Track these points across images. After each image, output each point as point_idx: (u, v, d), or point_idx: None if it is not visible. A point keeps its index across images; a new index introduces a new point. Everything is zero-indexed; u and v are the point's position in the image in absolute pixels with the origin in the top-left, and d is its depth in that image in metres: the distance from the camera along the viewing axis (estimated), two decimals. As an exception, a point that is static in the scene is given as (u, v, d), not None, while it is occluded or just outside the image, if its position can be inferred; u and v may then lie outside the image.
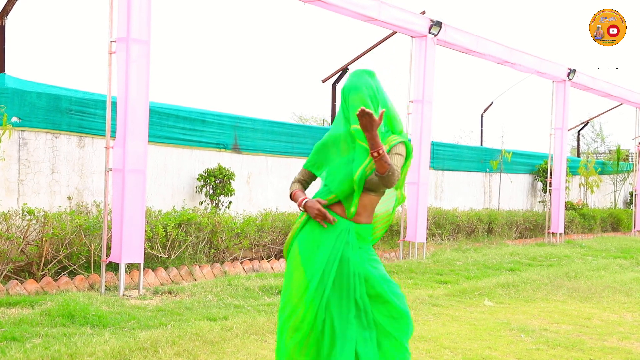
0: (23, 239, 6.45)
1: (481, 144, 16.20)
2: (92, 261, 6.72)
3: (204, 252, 7.89)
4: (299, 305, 3.27)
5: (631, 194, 18.28)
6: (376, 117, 3.05)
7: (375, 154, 3.08)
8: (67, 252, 6.57)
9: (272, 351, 4.61)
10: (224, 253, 8.14)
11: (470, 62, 12.17)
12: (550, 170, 13.57)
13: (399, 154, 3.31)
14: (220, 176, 8.77)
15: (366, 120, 3.02)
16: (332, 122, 12.15)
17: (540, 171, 15.57)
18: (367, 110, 3.01)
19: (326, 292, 3.25)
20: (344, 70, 11.64)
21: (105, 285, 6.41)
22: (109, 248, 6.42)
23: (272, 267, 8.17)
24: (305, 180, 3.50)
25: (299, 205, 3.35)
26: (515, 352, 4.86)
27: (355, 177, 3.25)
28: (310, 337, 3.25)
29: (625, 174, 18.80)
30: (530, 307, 6.57)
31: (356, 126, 3.26)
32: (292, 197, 3.45)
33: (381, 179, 3.17)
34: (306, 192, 3.51)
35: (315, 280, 3.26)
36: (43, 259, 6.44)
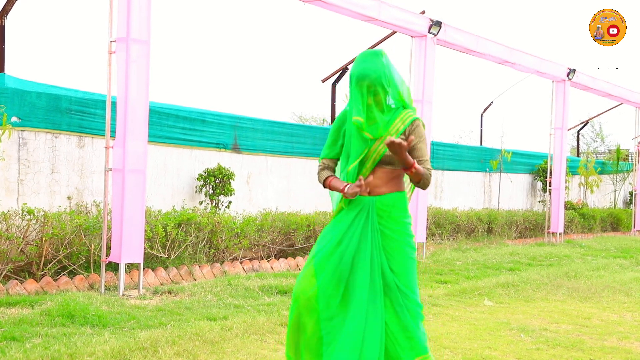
0: (23, 238, 6.45)
1: (481, 144, 16.20)
2: (92, 261, 6.72)
3: (203, 252, 7.89)
4: (308, 285, 3.31)
5: (631, 193, 18.28)
6: (404, 143, 3.10)
7: (410, 172, 3.23)
8: (67, 252, 6.57)
9: (272, 351, 4.62)
10: (223, 253, 8.14)
11: (470, 62, 12.18)
12: (550, 170, 13.58)
13: (421, 140, 3.36)
14: (220, 176, 8.77)
15: (395, 148, 3.09)
16: (332, 122, 12.15)
17: (540, 171, 15.57)
18: (394, 140, 3.06)
19: (331, 268, 3.28)
20: (344, 70, 11.64)
21: (105, 285, 6.41)
22: (108, 248, 6.42)
23: (272, 267, 8.17)
24: (332, 166, 3.52)
25: (342, 190, 3.32)
26: (515, 352, 4.86)
27: (349, 168, 3.31)
28: (315, 305, 3.27)
29: (625, 174, 18.80)
30: (530, 306, 6.57)
31: (357, 118, 3.27)
32: (328, 184, 3.43)
33: (415, 184, 3.32)
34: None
35: (319, 255, 3.31)
36: (43, 258, 6.44)
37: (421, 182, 3.30)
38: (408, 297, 3.31)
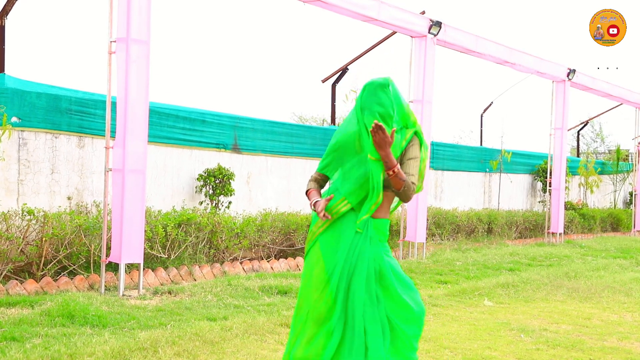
0: (23, 239, 6.45)
1: (481, 144, 16.20)
2: (91, 261, 6.72)
3: (203, 252, 7.89)
4: (319, 299, 3.33)
5: (631, 194, 18.29)
6: (388, 133, 3.15)
7: (391, 172, 3.22)
8: (66, 252, 6.56)
9: (272, 351, 4.61)
10: (223, 253, 8.14)
11: (470, 62, 12.20)
12: (550, 170, 13.58)
13: (414, 158, 3.39)
14: (220, 176, 8.77)
15: (379, 137, 3.13)
16: (332, 122, 12.15)
17: (540, 171, 15.57)
18: (380, 124, 3.10)
19: (345, 285, 3.32)
20: (344, 70, 11.64)
21: (105, 286, 6.41)
22: (108, 248, 6.42)
23: (271, 267, 8.17)
24: (322, 179, 3.58)
25: (311, 205, 3.44)
26: (515, 352, 4.86)
27: (374, 184, 3.30)
28: (328, 330, 3.30)
29: (625, 174, 18.80)
30: (530, 307, 6.57)
31: (372, 158, 3.30)
32: (307, 195, 3.54)
33: (397, 194, 3.32)
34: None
35: (336, 274, 3.33)
36: (43, 259, 6.44)
37: (402, 189, 3.29)
38: (403, 303, 3.38)
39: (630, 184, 18.60)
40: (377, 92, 3.38)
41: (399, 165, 3.26)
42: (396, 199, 3.50)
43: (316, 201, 3.41)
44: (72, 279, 6.42)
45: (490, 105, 15.76)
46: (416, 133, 3.43)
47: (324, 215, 3.32)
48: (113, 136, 6.41)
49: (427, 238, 11.07)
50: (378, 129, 3.12)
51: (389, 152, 3.19)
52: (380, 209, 3.39)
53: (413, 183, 3.34)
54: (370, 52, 11.41)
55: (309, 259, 3.48)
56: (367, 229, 3.35)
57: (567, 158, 14.72)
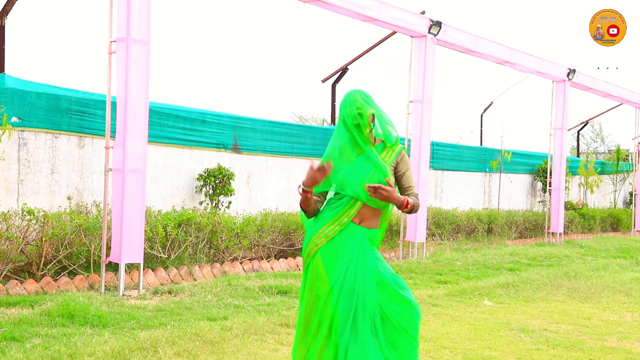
0: (23, 239, 6.45)
1: (481, 144, 16.20)
2: (92, 261, 6.72)
3: (203, 252, 7.89)
4: (324, 313, 3.40)
5: (631, 194, 18.29)
6: (386, 185, 3.31)
7: (405, 209, 3.42)
8: (66, 252, 6.57)
9: (272, 351, 4.62)
10: (223, 253, 8.14)
11: (470, 62, 12.18)
12: (550, 170, 13.58)
13: (408, 169, 3.57)
14: (220, 176, 8.77)
15: (381, 194, 3.28)
16: (332, 122, 12.15)
17: (540, 171, 15.57)
18: (376, 186, 3.26)
19: (347, 295, 3.38)
20: (344, 70, 11.64)
21: (105, 285, 6.41)
22: (108, 248, 6.42)
23: (271, 267, 8.17)
24: (319, 200, 3.57)
25: (299, 188, 3.41)
26: (515, 352, 4.86)
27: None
28: (335, 340, 3.36)
29: (625, 174, 18.80)
30: (530, 307, 6.57)
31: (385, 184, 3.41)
32: (302, 205, 3.51)
33: (408, 213, 3.52)
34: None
35: (337, 285, 3.39)
36: (43, 259, 6.44)
37: (412, 211, 3.49)
38: (399, 297, 3.45)
39: (630, 184, 18.61)
40: (356, 99, 3.46)
41: (407, 198, 3.42)
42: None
43: (302, 183, 3.39)
44: (72, 279, 6.42)
45: (490, 105, 15.76)
46: (402, 148, 3.58)
47: (321, 166, 3.31)
48: (113, 136, 6.41)
49: (427, 238, 11.07)
50: (375, 190, 3.26)
51: (395, 197, 3.34)
52: (371, 220, 3.49)
53: (416, 195, 3.53)
54: (370, 52, 11.41)
55: (309, 272, 3.50)
56: (364, 239, 3.45)
57: (567, 158, 14.72)
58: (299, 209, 10.31)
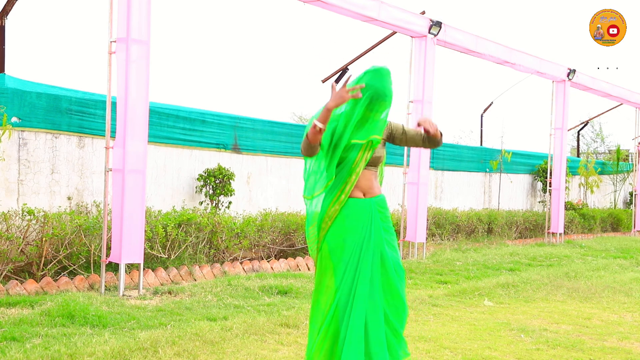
0: (23, 239, 6.45)
1: (481, 144, 16.20)
2: (92, 261, 6.72)
3: (203, 252, 7.89)
4: (327, 314, 3.46)
5: (631, 194, 18.28)
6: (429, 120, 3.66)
7: (438, 136, 3.66)
8: (67, 252, 6.57)
9: (272, 351, 4.61)
10: (223, 253, 8.14)
11: (470, 62, 12.17)
12: (550, 170, 13.57)
13: (402, 125, 3.79)
14: (220, 176, 8.77)
15: (427, 125, 3.62)
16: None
17: (540, 171, 15.57)
18: (426, 119, 3.65)
19: (352, 280, 3.46)
20: (344, 70, 11.63)
21: (105, 286, 6.41)
22: (108, 248, 6.42)
23: (272, 267, 8.17)
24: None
25: (315, 127, 3.44)
26: (515, 352, 4.86)
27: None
28: (336, 332, 3.44)
29: (625, 174, 18.79)
30: (530, 307, 6.57)
31: (375, 136, 3.55)
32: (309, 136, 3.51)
33: (435, 146, 3.73)
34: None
35: (346, 283, 3.44)
36: (43, 259, 6.44)
37: (438, 140, 3.70)
38: (397, 294, 3.58)
39: (630, 184, 18.60)
40: (389, 77, 3.55)
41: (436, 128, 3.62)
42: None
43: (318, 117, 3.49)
44: (72, 279, 6.42)
45: (490, 105, 15.75)
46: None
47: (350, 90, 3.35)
48: (113, 136, 6.41)
49: (427, 238, 11.06)
50: (425, 121, 3.60)
51: (436, 127, 3.65)
52: (373, 185, 3.59)
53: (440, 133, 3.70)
54: (370, 52, 11.40)
55: (320, 263, 3.56)
56: (372, 209, 3.53)
57: (567, 158, 14.71)
58: (299, 209, 10.29)
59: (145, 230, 6.65)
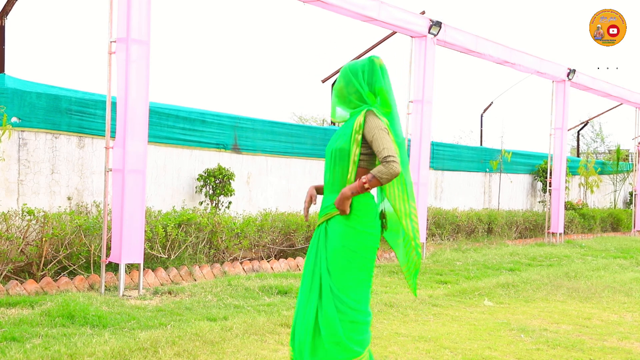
0: (23, 239, 6.44)
1: (481, 144, 16.20)
2: (92, 261, 6.72)
3: (203, 252, 7.89)
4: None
5: (631, 194, 18.28)
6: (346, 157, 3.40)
7: (367, 186, 3.25)
8: (67, 253, 6.56)
9: (272, 351, 4.62)
10: (223, 253, 8.14)
11: (470, 62, 12.18)
12: (550, 170, 13.57)
13: (377, 128, 3.30)
14: (220, 176, 8.77)
15: (338, 204, 3.33)
16: (332, 122, 12.15)
17: (540, 171, 15.57)
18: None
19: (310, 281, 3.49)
20: (344, 70, 11.62)
21: (105, 286, 6.41)
22: (108, 248, 6.42)
23: (272, 267, 8.17)
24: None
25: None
26: (515, 352, 4.86)
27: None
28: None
29: (625, 174, 18.80)
30: (530, 307, 6.57)
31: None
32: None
33: (378, 185, 3.26)
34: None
35: (307, 276, 3.49)
36: (43, 259, 6.44)
37: (384, 180, 3.21)
38: (342, 300, 3.35)
39: (630, 184, 18.60)
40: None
41: (362, 177, 3.25)
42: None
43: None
44: (72, 279, 6.42)
45: (490, 105, 15.76)
46: (366, 112, 3.40)
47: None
48: (113, 136, 6.41)
49: (427, 238, 11.07)
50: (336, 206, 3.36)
51: (346, 194, 3.29)
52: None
53: (385, 158, 3.19)
54: (370, 52, 11.40)
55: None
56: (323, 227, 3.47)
57: (567, 158, 14.72)
58: (299, 209, 10.29)
59: (145, 230, 6.65)
